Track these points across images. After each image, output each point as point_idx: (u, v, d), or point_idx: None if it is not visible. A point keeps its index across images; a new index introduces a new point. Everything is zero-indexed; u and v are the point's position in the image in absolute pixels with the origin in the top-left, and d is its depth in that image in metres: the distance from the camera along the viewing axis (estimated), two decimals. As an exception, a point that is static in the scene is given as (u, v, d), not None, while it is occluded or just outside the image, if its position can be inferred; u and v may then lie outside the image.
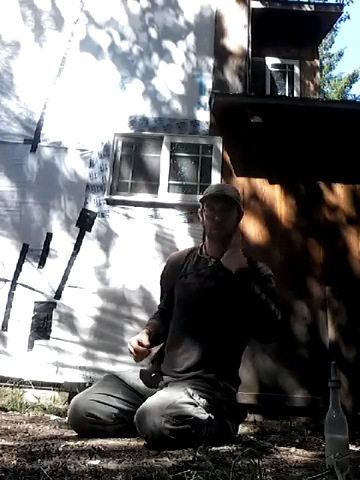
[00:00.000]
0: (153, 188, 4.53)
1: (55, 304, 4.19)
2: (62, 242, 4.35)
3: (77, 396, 1.83)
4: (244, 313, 1.89)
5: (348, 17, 9.82)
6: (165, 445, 1.48)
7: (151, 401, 1.63)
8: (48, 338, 4.08)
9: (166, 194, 4.48)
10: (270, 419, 3.63)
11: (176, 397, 1.61)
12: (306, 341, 3.98)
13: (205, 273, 2.01)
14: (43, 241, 4.34)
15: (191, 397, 1.64)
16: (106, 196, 4.45)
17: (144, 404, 1.62)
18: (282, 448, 1.74)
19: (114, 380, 1.88)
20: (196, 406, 1.63)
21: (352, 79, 19.40)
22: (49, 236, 4.36)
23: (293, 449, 1.73)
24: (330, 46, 19.62)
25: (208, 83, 4.82)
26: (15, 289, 4.23)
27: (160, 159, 4.59)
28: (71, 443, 1.53)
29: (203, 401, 1.67)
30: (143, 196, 4.51)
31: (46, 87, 4.75)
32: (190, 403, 1.62)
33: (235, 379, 1.97)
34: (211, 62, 4.89)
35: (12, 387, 3.53)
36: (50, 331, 4.11)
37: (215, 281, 1.98)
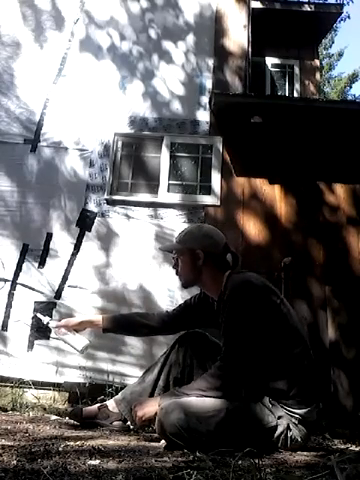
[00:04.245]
0: (153, 188, 4.53)
1: (55, 304, 4.19)
2: (62, 242, 4.35)
3: None
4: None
5: (348, 17, 9.82)
6: None
7: None
8: (48, 338, 4.08)
9: (166, 194, 4.48)
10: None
11: None
12: (306, 341, 3.98)
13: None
14: (43, 241, 4.34)
15: None
16: (106, 196, 4.45)
17: None
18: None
19: None
20: None
21: (352, 79, 19.46)
22: (49, 236, 4.36)
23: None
24: (330, 46, 19.68)
25: (208, 83, 4.81)
26: (15, 289, 4.23)
27: (160, 159, 4.59)
28: (71, 443, 1.53)
29: None
30: (143, 196, 4.51)
31: (46, 87, 4.74)
32: None
33: None
34: (211, 62, 4.89)
35: (12, 387, 3.53)
36: (50, 331, 4.11)
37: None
